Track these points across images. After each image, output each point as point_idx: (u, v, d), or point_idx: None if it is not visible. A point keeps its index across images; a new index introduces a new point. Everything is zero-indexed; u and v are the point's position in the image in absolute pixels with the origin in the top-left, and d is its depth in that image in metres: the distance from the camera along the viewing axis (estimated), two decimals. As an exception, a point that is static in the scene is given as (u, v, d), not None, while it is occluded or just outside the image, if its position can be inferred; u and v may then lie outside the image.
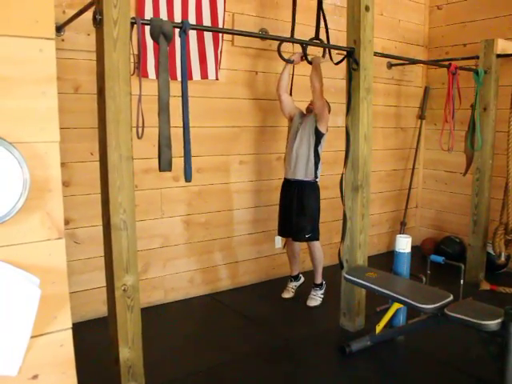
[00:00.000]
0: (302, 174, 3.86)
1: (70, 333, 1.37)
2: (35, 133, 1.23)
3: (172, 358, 3.18)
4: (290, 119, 4.01)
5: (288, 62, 3.89)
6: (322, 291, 4.12)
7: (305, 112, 3.99)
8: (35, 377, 1.32)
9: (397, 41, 5.35)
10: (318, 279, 4.11)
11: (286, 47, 4.07)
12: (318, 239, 3.98)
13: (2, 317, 1.19)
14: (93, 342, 2.99)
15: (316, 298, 4.07)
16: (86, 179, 3.44)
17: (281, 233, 4.14)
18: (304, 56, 3.81)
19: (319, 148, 3.86)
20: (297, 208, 3.90)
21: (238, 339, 3.49)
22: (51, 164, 1.27)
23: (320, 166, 3.90)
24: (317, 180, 3.92)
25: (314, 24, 3.81)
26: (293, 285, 4.24)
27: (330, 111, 3.94)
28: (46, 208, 1.27)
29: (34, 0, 1.19)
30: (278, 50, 3.91)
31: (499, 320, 2.56)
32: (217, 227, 4.29)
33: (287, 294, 4.19)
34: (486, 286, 4.42)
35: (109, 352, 2.61)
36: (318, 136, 3.82)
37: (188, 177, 2.67)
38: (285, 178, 4.01)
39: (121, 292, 2.48)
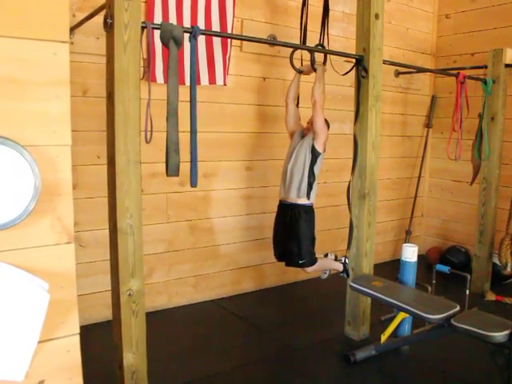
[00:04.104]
0: (295, 193, 3.67)
1: (77, 338, 1.36)
2: (47, 136, 1.22)
3: (175, 363, 3.16)
4: (291, 135, 3.87)
5: (298, 71, 3.85)
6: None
7: (304, 132, 3.80)
8: (41, 382, 1.31)
9: (405, 49, 5.34)
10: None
11: (297, 55, 4.06)
12: (313, 264, 3.77)
13: (10, 321, 1.18)
14: (96, 346, 2.98)
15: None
16: (93, 182, 3.45)
17: (275, 254, 3.92)
18: (311, 63, 3.75)
19: (315, 168, 3.67)
20: (290, 233, 3.72)
21: (242, 346, 3.48)
22: (62, 168, 1.26)
23: (315, 187, 3.71)
24: (311, 203, 3.72)
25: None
26: None
27: (328, 130, 3.72)
28: (56, 212, 1.27)
29: (49, 3, 1.19)
30: (290, 58, 3.84)
31: (507, 332, 2.54)
32: (222, 233, 4.28)
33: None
34: (491, 296, 4.40)
35: (112, 357, 2.59)
36: (315, 155, 3.64)
37: (194, 182, 2.65)
38: (279, 201, 3.84)
39: (126, 297, 2.47)
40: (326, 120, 3.70)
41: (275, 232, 3.90)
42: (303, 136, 3.76)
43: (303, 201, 3.68)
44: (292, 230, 3.71)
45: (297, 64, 3.87)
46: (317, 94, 3.54)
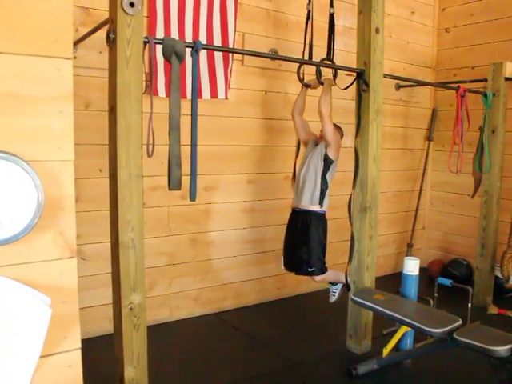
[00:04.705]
0: (308, 200, 3.68)
1: (79, 353, 1.36)
2: (51, 151, 1.23)
3: (177, 377, 3.15)
4: (305, 144, 3.93)
5: (305, 85, 3.88)
6: (336, 286, 3.95)
7: (317, 140, 3.85)
8: (42, 397, 1.31)
9: (405, 62, 5.37)
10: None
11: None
12: (322, 273, 3.75)
13: (12, 336, 1.18)
14: (97, 359, 2.95)
15: (330, 295, 3.98)
16: (94, 196, 3.46)
17: (284, 264, 3.90)
18: (316, 77, 3.78)
19: (328, 175, 3.68)
20: (300, 240, 3.72)
21: (243, 360, 3.46)
22: (65, 183, 1.27)
23: (327, 195, 3.72)
24: (324, 211, 3.72)
25: (324, 45, 3.82)
26: (333, 288, 4.03)
27: (342, 137, 3.83)
28: (58, 227, 1.27)
29: (54, 20, 1.20)
30: (298, 72, 3.88)
31: (509, 346, 2.52)
32: (223, 246, 4.27)
33: (330, 299, 4.02)
34: (493, 309, 4.38)
35: (113, 370, 2.58)
36: (327, 162, 3.66)
37: (193, 196, 2.66)
38: (292, 209, 3.85)
39: (127, 310, 2.46)
40: (338, 127, 3.77)
41: (286, 240, 3.90)
42: (317, 144, 3.81)
43: (315, 207, 3.69)
44: (302, 237, 3.71)
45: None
46: (323, 107, 3.57)
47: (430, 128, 5.68)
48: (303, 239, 3.70)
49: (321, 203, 3.68)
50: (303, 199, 3.70)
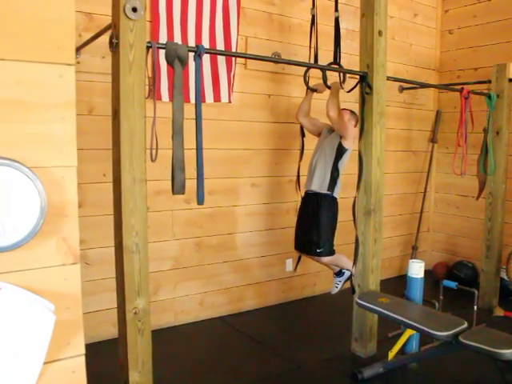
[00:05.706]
0: (318, 185, 3.79)
1: (82, 359, 1.35)
2: (53, 157, 1.23)
3: (181, 382, 3.14)
4: (319, 135, 4.01)
5: (311, 89, 3.90)
6: (340, 278, 3.99)
7: (332, 128, 3.92)
8: (47, 404, 1.30)
9: (408, 65, 5.36)
10: (335, 269, 4.02)
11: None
12: (330, 255, 3.83)
13: (16, 343, 1.18)
14: (101, 364, 2.94)
15: (333, 287, 4.02)
16: (98, 200, 3.47)
17: (295, 246, 4.02)
18: (323, 81, 3.79)
19: (339, 163, 3.76)
20: (311, 222, 3.81)
21: (248, 363, 3.45)
22: (68, 189, 1.27)
23: (339, 182, 3.80)
24: (334, 195, 3.80)
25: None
26: (337, 280, 4.06)
27: (357, 124, 3.76)
28: (61, 233, 1.27)
29: (56, 26, 1.20)
30: (304, 77, 3.91)
31: (516, 349, 2.51)
32: (228, 250, 4.27)
33: (332, 291, 4.07)
34: (499, 312, 4.35)
35: (118, 375, 2.58)
36: (340, 151, 3.74)
37: (200, 200, 2.66)
38: (304, 192, 3.96)
39: (132, 315, 2.46)
40: (353, 113, 3.81)
41: (297, 222, 3.99)
42: (331, 131, 3.88)
43: (325, 191, 3.78)
44: (313, 219, 3.80)
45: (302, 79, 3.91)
46: (331, 110, 3.65)
47: (433, 130, 5.67)
48: (314, 221, 3.79)
49: (331, 190, 3.77)
50: (313, 184, 3.82)
